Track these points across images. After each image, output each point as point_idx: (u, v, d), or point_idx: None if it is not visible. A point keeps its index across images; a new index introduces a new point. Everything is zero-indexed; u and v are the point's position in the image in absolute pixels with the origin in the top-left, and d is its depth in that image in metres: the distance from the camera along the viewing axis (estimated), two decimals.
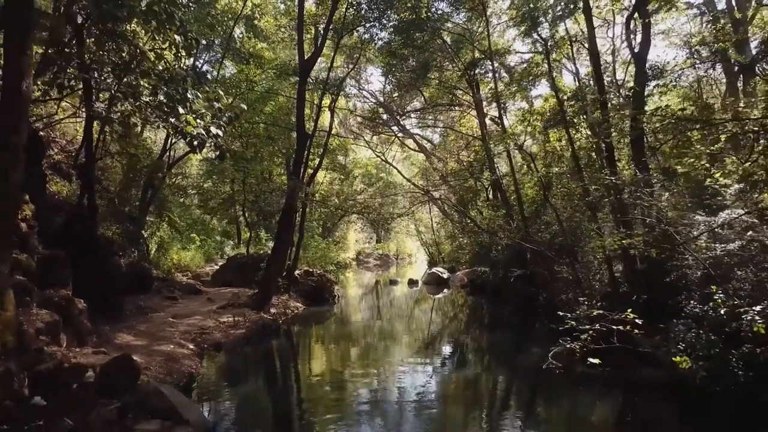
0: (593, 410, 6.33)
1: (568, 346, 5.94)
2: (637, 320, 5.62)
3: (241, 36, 15.28)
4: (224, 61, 14.47)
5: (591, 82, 15.48)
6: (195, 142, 6.31)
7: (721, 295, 5.93)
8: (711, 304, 5.95)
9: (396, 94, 22.87)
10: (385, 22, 15.39)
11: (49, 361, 4.13)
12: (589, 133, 11.43)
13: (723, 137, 5.22)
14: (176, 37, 6.28)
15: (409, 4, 14.14)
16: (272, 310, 12.52)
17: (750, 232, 6.15)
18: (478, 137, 17.24)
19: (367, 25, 15.49)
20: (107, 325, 8.59)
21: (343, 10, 13.85)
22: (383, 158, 28.53)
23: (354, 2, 14.01)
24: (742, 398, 5.66)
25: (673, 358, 5.68)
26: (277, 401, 7.16)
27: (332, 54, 15.40)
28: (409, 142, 28.05)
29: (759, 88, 10.53)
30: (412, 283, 24.11)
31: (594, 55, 9.14)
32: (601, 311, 6.05)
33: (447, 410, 6.56)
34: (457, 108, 22.57)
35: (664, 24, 16.77)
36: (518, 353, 9.68)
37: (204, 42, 9.95)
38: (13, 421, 3.43)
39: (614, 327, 5.69)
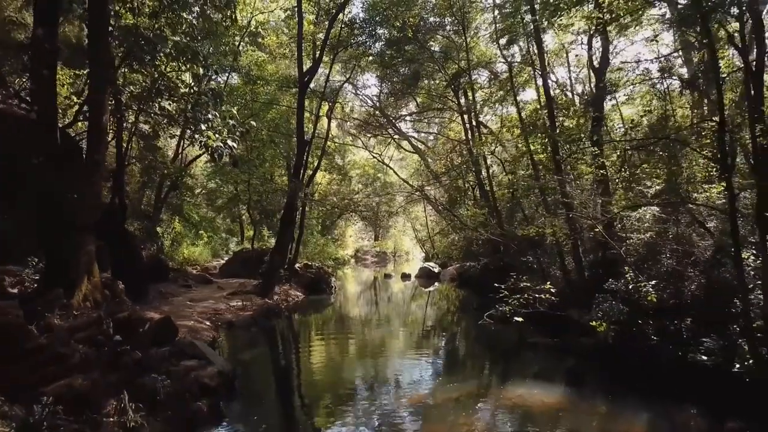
0: (533, 367, 7.94)
1: (500, 309, 7.56)
2: (552, 289, 7.24)
3: (245, 48, 16.86)
4: (231, 73, 16.04)
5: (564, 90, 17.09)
6: (216, 154, 7.92)
7: (631, 274, 7.53)
8: (622, 281, 7.56)
9: (391, 99, 24.37)
10: (376, 36, 17.01)
11: (123, 313, 5.77)
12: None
13: (617, 152, 6.82)
14: (200, 70, 7.87)
15: (398, 24, 15.73)
16: (275, 298, 14.13)
17: (646, 225, 7.76)
18: (463, 141, 18.82)
19: (361, 39, 17.08)
20: (136, 306, 10.21)
21: (339, 28, 15.45)
22: (379, 159, 30.12)
23: (348, 21, 15.61)
24: (655, 358, 7.23)
25: (591, 323, 7.29)
26: (281, 362, 8.84)
27: (329, 66, 16.98)
28: (405, 143, 29.57)
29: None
30: (405, 277, 25.59)
31: (544, 80, 10.75)
32: (526, 283, 7.67)
33: (413, 364, 8.18)
34: (447, 112, 24.12)
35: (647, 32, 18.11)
36: (483, 330, 11.29)
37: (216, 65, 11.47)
38: (102, 350, 5.05)
39: (537, 296, 7.32)
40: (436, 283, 22.73)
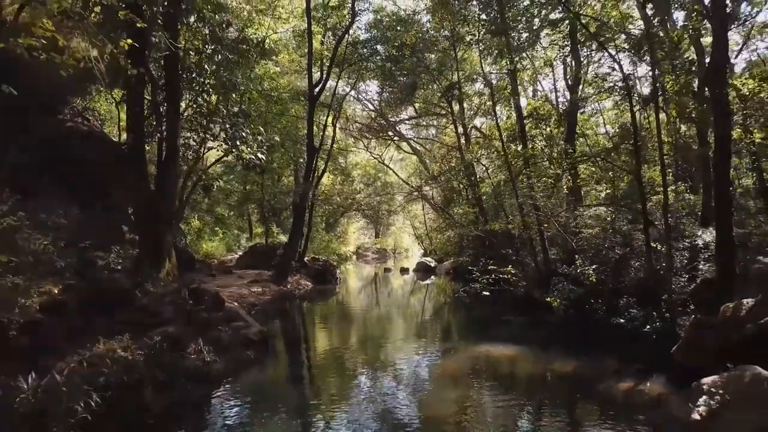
0: (502, 335, 9.89)
1: (472, 286, 9.53)
2: (512, 271, 9.22)
3: (258, 62, 18.74)
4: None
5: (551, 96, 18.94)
6: (250, 164, 9.90)
7: (579, 261, 9.50)
8: (572, 266, 9.53)
9: (390, 106, 26.26)
10: (377, 53, 18.99)
11: (194, 285, 7.74)
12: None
13: (562, 165, 8.75)
14: (238, 98, 9.85)
15: (396, 43, 17.70)
16: (288, 286, 16.14)
17: (590, 220, 9.73)
18: (456, 147, 20.77)
19: (364, 54, 19.02)
20: None
21: (344, 47, 17.40)
22: (380, 160, 32.03)
23: (351, 41, 17.59)
24: (601, 328, 9.17)
25: (547, 300, 9.26)
26: (299, 333, 10.88)
27: (336, 81, 18.92)
28: (404, 145, 31.47)
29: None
30: (403, 271, 27.55)
31: (517, 104, 12.75)
32: (493, 266, 9.66)
33: (405, 333, 10.18)
34: (443, 118, 26.02)
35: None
36: (465, 311, 13.28)
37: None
38: (182, 310, 7.05)
39: (501, 276, 9.31)
40: (433, 277, 24.66)
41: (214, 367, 6.60)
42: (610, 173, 12.04)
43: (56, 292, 6.03)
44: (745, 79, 7.67)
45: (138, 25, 6.04)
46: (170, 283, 7.53)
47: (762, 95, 7.42)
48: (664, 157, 9.98)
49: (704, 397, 4.77)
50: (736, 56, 16.87)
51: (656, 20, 13.49)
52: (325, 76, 16.69)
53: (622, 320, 8.08)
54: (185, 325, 6.89)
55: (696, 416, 4.71)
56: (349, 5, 17.12)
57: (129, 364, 5.40)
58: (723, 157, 7.41)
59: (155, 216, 7.53)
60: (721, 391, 4.69)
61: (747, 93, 7.53)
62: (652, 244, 9.76)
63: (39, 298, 5.60)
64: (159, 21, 7.31)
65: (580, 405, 6.14)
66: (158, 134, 10.55)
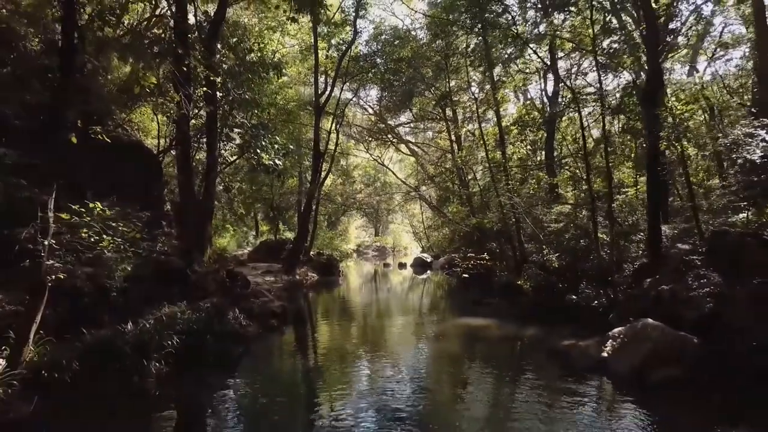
0: (480, 313, 11.71)
1: (454, 270, 11.36)
2: (486, 257, 11.06)
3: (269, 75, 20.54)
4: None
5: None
6: (269, 169, 11.73)
7: (546, 250, 11.33)
8: (540, 255, 11.36)
9: (389, 111, 28.07)
10: (376, 65, 20.84)
11: (230, 267, 9.58)
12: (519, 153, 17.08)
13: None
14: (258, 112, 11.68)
15: (395, 57, 19.55)
16: (297, 276, 17.97)
17: (556, 216, 11.57)
18: (448, 151, 22.64)
19: (364, 66, 20.85)
20: None
21: (347, 60, 19.23)
22: (380, 161, 33.85)
23: (353, 56, 19.44)
24: (564, 307, 10.97)
25: (518, 283, 11.09)
26: (311, 311, 12.72)
27: (339, 90, 20.74)
28: (403, 147, 33.22)
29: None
30: (401, 266, 29.36)
31: (498, 116, 14.59)
32: (472, 254, 11.50)
33: (398, 310, 12.02)
34: (439, 122, 27.83)
35: None
36: (453, 296, 15.12)
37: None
38: (222, 286, 8.87)
39: (478, 261, 11.16)
40: (429, 272, 26.46)
41: (248, 330, 8.44)
42: (584, 176, 13.94)
43: (129, 269, 7.86)
44: (673, 100, 9.46)
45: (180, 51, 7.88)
46: (212, 264, 9.37)
47: (684, 115, 9.25)
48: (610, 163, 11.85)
49: (611, 341, 6.62)
50: (705, 70, 18.77)
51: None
52: (330, 88, 18.51)
53: (575, 297, 9.91)
54: (224, 297, 8.73)
55: (604, 354, 6.56)
56: (351, 21, 18.97)
57: (191, 321, 7.24)
58: (653, 166, 9.24)
59: (200, 212, 9.37)
60: (622, 336, 6.54)
61: (675, 113, 9.34)
62: (606, 237, 11.65)
63: (123, 273, 7.45)
64: (199, 48, 9.10)
65: (531, 355, 8.00)
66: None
